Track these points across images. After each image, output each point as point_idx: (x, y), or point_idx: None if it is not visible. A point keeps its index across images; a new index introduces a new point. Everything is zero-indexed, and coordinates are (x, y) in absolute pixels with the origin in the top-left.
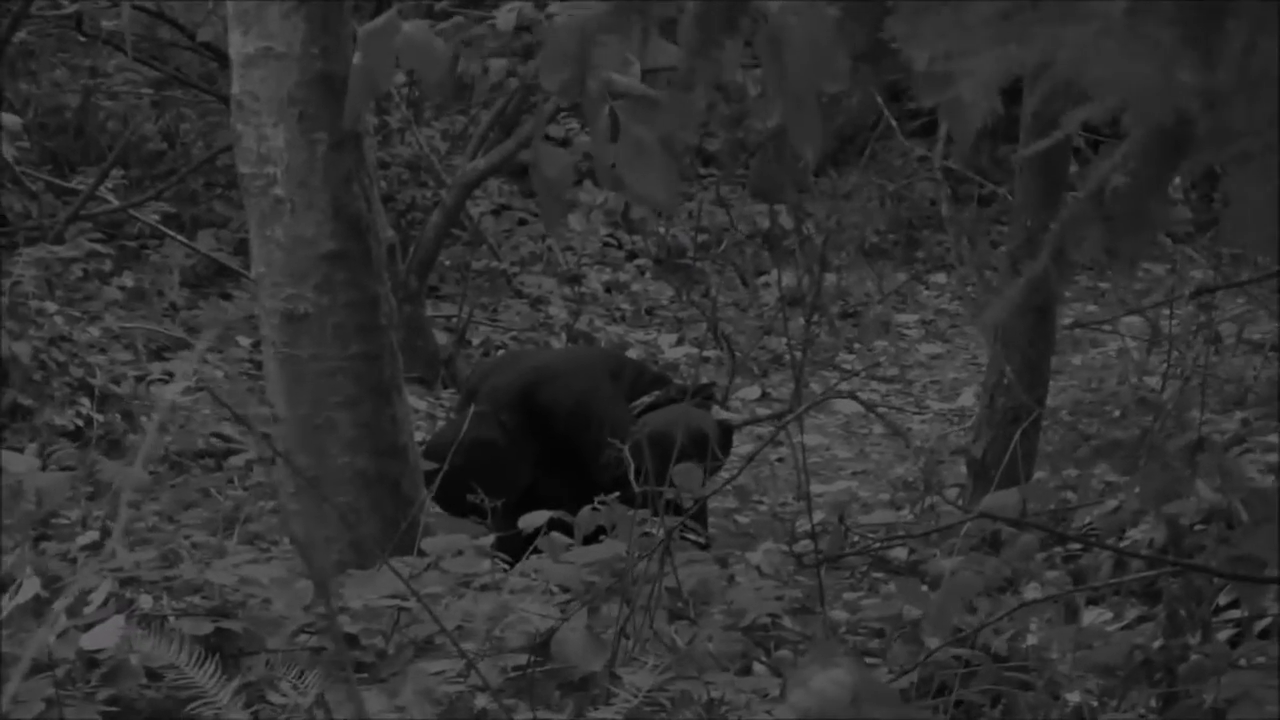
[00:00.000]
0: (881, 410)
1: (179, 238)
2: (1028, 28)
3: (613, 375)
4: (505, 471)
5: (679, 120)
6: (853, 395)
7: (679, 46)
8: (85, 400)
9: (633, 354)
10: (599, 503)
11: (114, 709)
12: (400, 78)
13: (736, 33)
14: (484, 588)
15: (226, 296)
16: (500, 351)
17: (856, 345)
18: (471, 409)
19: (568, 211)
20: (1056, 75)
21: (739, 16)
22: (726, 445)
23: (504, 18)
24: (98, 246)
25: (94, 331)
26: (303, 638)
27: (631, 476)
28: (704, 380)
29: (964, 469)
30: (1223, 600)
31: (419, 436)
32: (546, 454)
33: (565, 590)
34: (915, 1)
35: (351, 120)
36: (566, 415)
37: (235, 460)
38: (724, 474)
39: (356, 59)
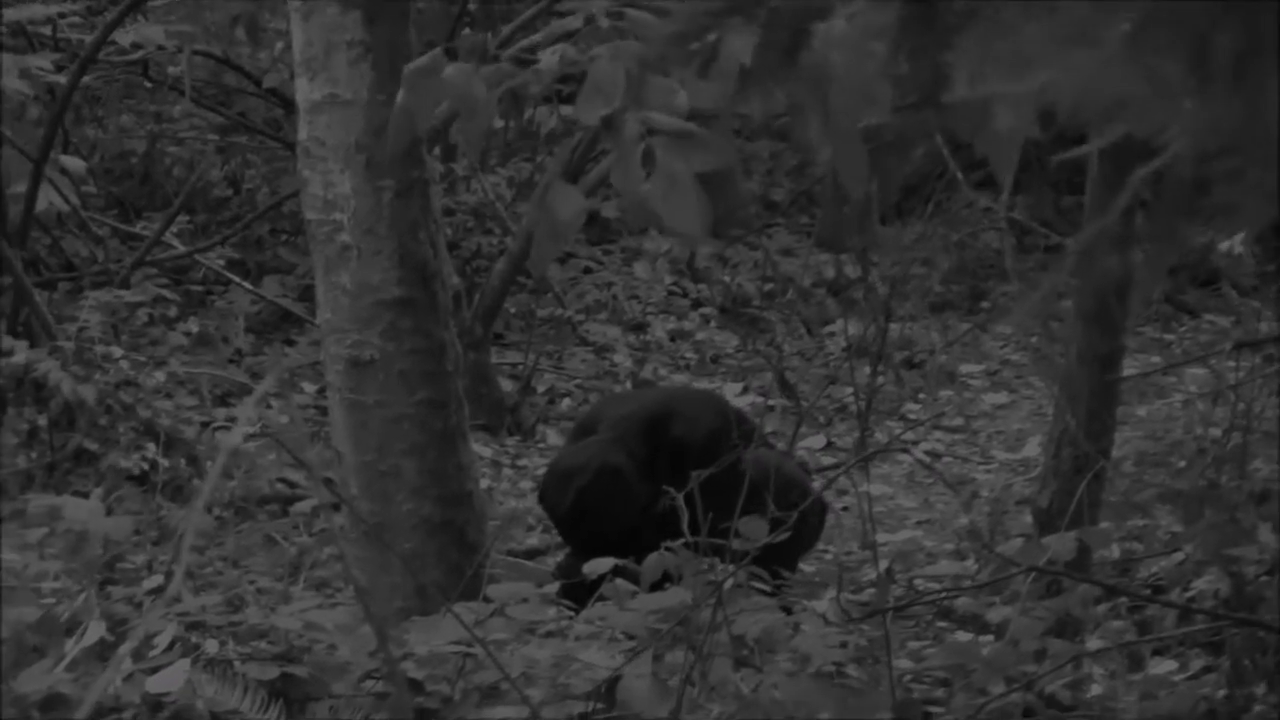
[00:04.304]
0: (936, 464)
1: (244, 284)
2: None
3: (731, 415)
4: (629, 501)
5: (717, 157)
6: (905, 448)
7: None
8: (150, 445)
9: None
10: (665, 548)
11: None
12: None
13: (795, 63)
14: (549, 634)
15: (290, 342)
16: (566, 399)
17: (921, 395)
18: (599, 436)
19: (558, 254)
20: (1060, 102)
21: (800, 47)
22: (821, 521)
23: (547, 60)
24: (163, 292)
25: (159, 376)
26: (368, 683)
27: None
28: (774, 435)
29: (1029, 519)
30: None
31: (484, 484)
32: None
33: (630, 637)
34: (980, 26)
35: (393, 160)
36: (699, 452)
37: (301, 506)
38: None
39: (400, 98)
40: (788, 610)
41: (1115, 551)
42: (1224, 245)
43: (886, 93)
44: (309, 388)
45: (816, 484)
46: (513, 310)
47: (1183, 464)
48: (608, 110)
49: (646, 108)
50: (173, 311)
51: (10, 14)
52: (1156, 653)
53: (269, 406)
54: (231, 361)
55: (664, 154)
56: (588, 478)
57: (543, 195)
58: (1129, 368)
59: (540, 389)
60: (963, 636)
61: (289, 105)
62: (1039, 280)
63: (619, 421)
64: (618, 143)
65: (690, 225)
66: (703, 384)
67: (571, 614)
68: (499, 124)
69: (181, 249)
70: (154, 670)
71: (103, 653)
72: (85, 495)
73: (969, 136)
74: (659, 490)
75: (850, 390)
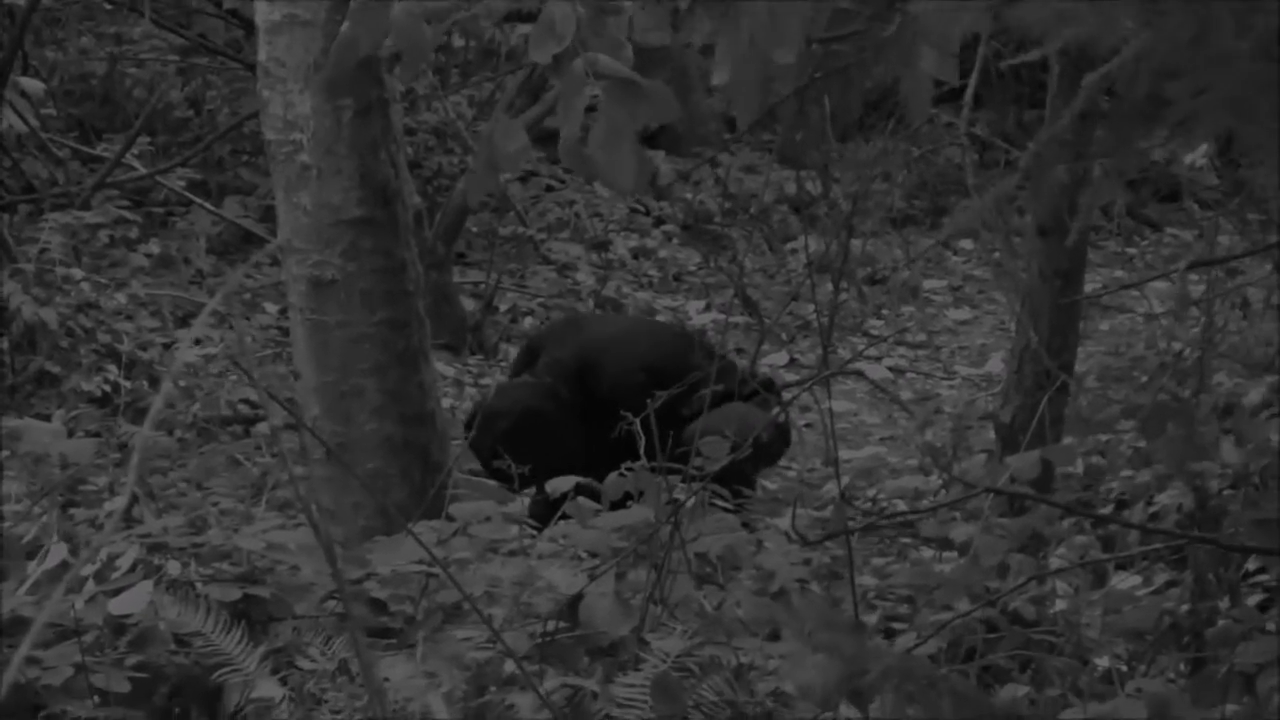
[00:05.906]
0: (899, 380)
1: (205, 205)
2: None
3: (680, 357)
4: (551, 443)
5: (662, 111)
6: (860, 373)
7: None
8: (112, 367)
9: (661, 320)
10: (625, 469)
11: (142, 675)
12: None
13: None
14: (511, 553)
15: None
16: (528, 318)
17: (884, 311)
18: (526, 377)
19: (493, 188)
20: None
21: None
22: (784, 443)
23: None
24: (124, 213)
25: (121, 298)
26: (330, 603)
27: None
28: (737, 353)
29: (992, 434)
30: (1251, 565)
31: (446, 403)
32: (602, 438)
33: (593, 555)
34: None
35: (328, 84)
36: (629, 406)
37: (262, 427)
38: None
39: (344, 28)
40: (750, 527)
41: (1079, 466)
42: (1187, 159)
43: (798, 35)
44: (271, 308)
45: (780, 401)
46: (474, 229)
47: (1145, 379)
48: (559, 49)
49: (594, 49)
50: (134, 233)
51: None
52: (1120, 567)
53: (230, 327)
54: (193, 283)
55: (608, 103)
56: (509, 422)
57: (489, 132)
58: (1091, 282)
59: (502, 308)
60: (926, 553)
61: (249, 26)
62: (990, 186)
63: (554, 364)
64: (562, 85)
65: (625, 180)
66: (665, 301)
67: (534, 532)
68: (459, 43)
69: (142, 170)
70: (116, 592)
71: (64, 575)
72: (46, 418)
73: (895, 69)
74: (598, 430)
75: (812, 307)
